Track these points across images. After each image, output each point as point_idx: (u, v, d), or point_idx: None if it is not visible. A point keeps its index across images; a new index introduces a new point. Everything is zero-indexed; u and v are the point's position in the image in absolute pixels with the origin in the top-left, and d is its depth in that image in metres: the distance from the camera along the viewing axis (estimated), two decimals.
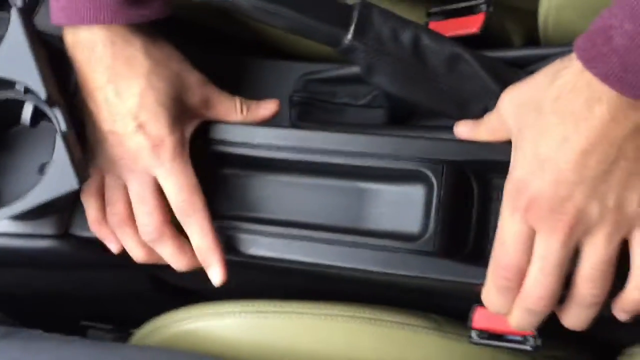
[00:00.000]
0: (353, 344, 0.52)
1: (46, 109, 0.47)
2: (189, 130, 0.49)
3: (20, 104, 0.48)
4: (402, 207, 0.47)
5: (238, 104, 0.51)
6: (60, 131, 0.45)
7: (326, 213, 0.49)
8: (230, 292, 0.60)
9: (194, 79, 0.50)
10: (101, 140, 0.48)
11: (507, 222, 0.40)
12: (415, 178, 0.47)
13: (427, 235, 0.45)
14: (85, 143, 0.49)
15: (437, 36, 0.47)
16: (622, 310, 0.41)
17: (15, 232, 0.52)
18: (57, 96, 0.47)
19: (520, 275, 0.40)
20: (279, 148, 0.49)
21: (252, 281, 0.59)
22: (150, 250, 0.50)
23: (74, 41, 0.48)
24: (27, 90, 0.46)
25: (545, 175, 0.38)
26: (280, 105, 0.52)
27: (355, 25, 0.45)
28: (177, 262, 0.49)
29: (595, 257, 0.39)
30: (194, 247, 0.48)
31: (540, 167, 0.38)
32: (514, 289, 0.41)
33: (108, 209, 0.50)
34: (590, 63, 0.36)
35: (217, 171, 0.52)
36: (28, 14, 0.49)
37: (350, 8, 0.46)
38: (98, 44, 0.47)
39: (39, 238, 0.52)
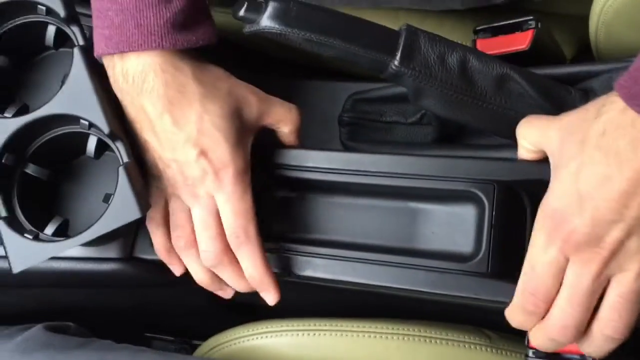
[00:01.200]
0: None
1: (109, 142, 0.49)
2: (250, 143, 0.49)
3: (85, 136, 0.50)
4: (454, 227, 0.48)
5: (294, 109, 0.51)
6: (123, 163, 0.48)
7: (378, 234, 0.50)
8: (286, 307, 0.61)
9: (244, 90, 0.50)
10: (164, 167, 0.49)
11: (540, 249, 0.40)
12: (466, 198, 0.47)
13: (480, 256, 0.45)
14: (146, 174, 0.51)
15: (484, 57, 0.47)
16: None
17: (84, 257, 0.55)
18: (118, 130, 0.49)
19: (548, 302, 0.41)
20: (330, 171, 0.50)
21: (309, 297, 0.60)
22: (212, 274, 0.51)
23: (121, 71, 0.47)
24: (92, 125, 0.49)
25: (583, 212, 0.38)
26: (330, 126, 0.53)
27: (402, 51, 0.46)
28: (236, 286, 0.51)
29: (624, 287, 0.39)
30: (246, 275, 0.49)
31: (579, 203, 0.38)
32: (539, 314, 0.41)
33: (174, 234, 0.51)
34: (633, 101, 0.35)
35: (271, 194, 0.53)
36: (90, 50, 0.51)
37: (397, 34, 0.47)
38: (149, 72, 0.46)
39: (106, 261, 0.54)
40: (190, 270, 0.52)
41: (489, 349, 0.52)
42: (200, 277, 0.52)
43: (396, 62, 0.46)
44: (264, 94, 0.51)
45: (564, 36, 0.61)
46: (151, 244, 0.54)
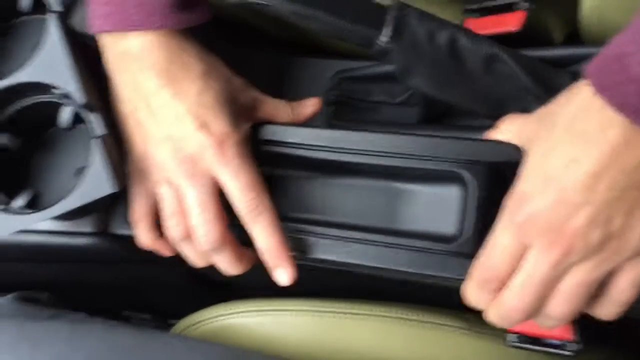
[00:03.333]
0: (384, 344, 0.53)
1: (83, 113, 0.47)
2: (246, 128, 0.48)
3: (57, 106, 0.49)
4: (439, 208, 0.47)
5: (283, 104, 0.50)
6: (97, 135, 0.46)
7: (360, 213, 0.49)
8: (266, 287, 0.61)
9: (240, 82, 0.49)
10: (154, 151, 0.47)
11: (500, 232, 0.40)
12: (452, 179, 0.46)
13: (464, 237, 0.45)
14: (130, 169, 0.49)
15: (474, 36, 0.46)
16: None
17: (56, 230, 0.53)
18: (94, 101, 0.47)
19: (501, 282, 0.40)
20: (313, 147, 0.49)
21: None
22: (208, 258, 0.49)
23: (123, 49, 0.46)
24: (66, 95, 0.47)
25: (548, 193, 0.37)
26: (321, 103, 0.52)
27: (391, 28, 0.45)
28: (233, 269, 0.49)
29: (578, 277, 0.38)
30: (262, 248, 0.47)
31: (545, 184, 0.37)
32: (492, 291, 0.41)
33: (169, 223, 0.48)
34: (605, 92, 0.34)
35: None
36: (65, 17, 0.49)
37: (385, 10, 0.46)
38: (154, 50, 0.45)
39: (79, 236, 0.53)
40: (187, 258, 0.50)
41: (467, 332, 0.52)
42: (197, 263, 0.50)
43: (384, 38, 0.45)
44: (257, 89, 0.50)
45: (554, 20, 0.60)
46: (126, 220, 0.53)
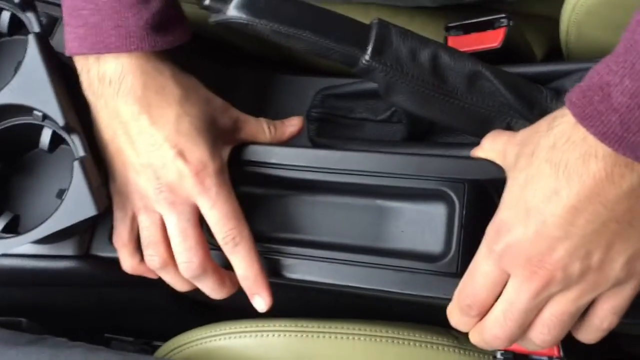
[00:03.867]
0: None
1: (64, 134, 0.47)
2: (225, 155, 0.48)
3: (39, 128, 0.48)
4: (424, 226, 0.47)
5: (265, 124, 0.50)
6: (78, 157, 0.45)
7: (345, 232, 0.49)
8: (251, 307, 0.60)
9: (220, 103, 0.49)
10: (135, 177, 0.46)
11: (481, 260, 0.39)
12: (436, 197, 0.46)
13: (449, 256, 0.44)
14: (112, 193, 0.49)
15: (456, 54, 0.47)
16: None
17: (37, 254, 0.52)
18: (74, 123, 0.47)
19: (483, 309, 0.40)
20: (296, 168, 0.48)
21: (274, 297, 0.59)
22: (190, 284, 0.49)
23: (97, 74, 0.46)
24: (46, 116, 0.46)
25: (528, 224, 0.37)
26: (303, 123, 0.52)
27: (373, 46, 0.45)
28: (217, 294, 0.48)
29: (560, 307, 0.38)
30: (240, 276, 0.47)
31: (525, 215, 0.37)
32: (474, 317, 0.41)
33: (147, 252, 0.47)
34: (587, 121, 0.34)
35: (234, 191, 0.51)
36: (45, 38, 0.49)
37: (368, 28, 0.46)
38: (128, 74, 0.45)
39: (61, 259, 0.52)
40: (170, 283, 0.50)
41: (456, 350, 0.52)
42: (181, 288, 0.49)
43: (367, 57, 0.45)
44: (237, 110, 0.50)
45: (534, 36, 0.60)
46: (109, 241, 0.52)
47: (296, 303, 0.57)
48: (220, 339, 0.55)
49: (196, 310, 0.67)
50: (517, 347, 0.46)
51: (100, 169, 0.49)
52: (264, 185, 0.51)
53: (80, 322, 0.71)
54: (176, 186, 0.45)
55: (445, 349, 0.52)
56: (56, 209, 0.44)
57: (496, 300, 0.39)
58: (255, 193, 0.51)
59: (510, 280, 0.38)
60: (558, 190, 0.35)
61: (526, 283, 0.37)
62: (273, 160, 0.49)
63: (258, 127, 0.50)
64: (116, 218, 0.49)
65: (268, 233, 0.50)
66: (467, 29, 0.53)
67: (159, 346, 0.62)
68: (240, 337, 0.54)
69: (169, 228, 0.46)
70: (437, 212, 0.46)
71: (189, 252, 0.46)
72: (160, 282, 0.50)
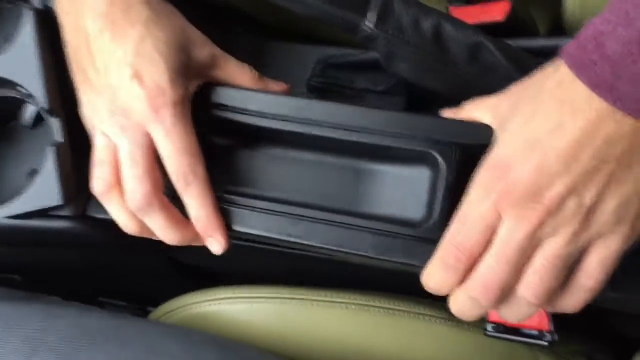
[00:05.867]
0: (367, 333, 0.52)
1: (46, 115, 0.46)
2: (192, 88, 0.45)
3: (21, 103, 0.47)
4: (407, 190, 0.45)
5: (248, 67, 0.47)
6: (54, 142, 0.44)
7: (323, 192, 0.46)
8: (246, 274, 0.60)
9: (198, 35, 0.46)
10: (94, 99, 0.44)
11: (475, 201, 0.38)
12: (421, 160, 0.44)
13: (431, 222, 0.42)
14: (82, 156, 0.47)
15: (459, 24, 0.46)
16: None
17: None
18: (57, 106, 0.46)
19: (472, 259, 0.38)
20: (275, 117, 0.45)
21: (267, 265, 0.59)
22: (140, 222, 0.46)
23: None
24: (30, 94, 0.46)
25: (530, 159, 0.36)
26: (290, 90, 0.50)
27: (376, 13, 0.44)
28: (167, 235, 0.45)
29: (551, 250, 0.36)
30: (193, 217, 0.44)
31: (528, 149, 0.36)
32: (460, 271, 0.38)
33: (94, 173, 0.45)
34: (580, 70, 0.34)
35: (205, 138, 0.47)
36: (47, 14, 0.47)
37: None
38: None
39: (56, 219, 0.52)
40: (112, 215, 0.46)
41: (448, 322, 0.52)
42: (126, 224, 0.46)
43: (369, 24, 0.44)
44: (220, 49, 0.47)
45: (537, 11, 0.60)
46: None
47: (291, 274, 0.57)
48: (212, 304, 0.55)
49: (192, 277, 0.68)
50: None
51: (76, 157, 0.47)
52: (235, 134, 0.47)
53: (74, 284, 0.71)
54: (129, 110, 0.43)
55: (438, 321, 0.52)
56: (23, 192, 0.44)
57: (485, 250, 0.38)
58: (226, 143, 0.48)
59: (504, 220, 0.37)
60: (562, 123, 0.35)
61: (522, 221, 0.36)
62: (250, 107, 0.45)
63: (240, 69, 0.47)
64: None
65: (235, 186, 0.47)
66: (471, 1, 0.53)
67: (152, 311, 0.62)
68: (233, 302, 0.54)
69: (120, 153, 0.44)
70: (421, 175, 0.44)
71: (135, 180, 0.43)
72: (155, 244, 0.50)
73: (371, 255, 0.43)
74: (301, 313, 0.53)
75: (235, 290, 0.55)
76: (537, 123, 0.36)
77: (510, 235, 0.36)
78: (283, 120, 0.45)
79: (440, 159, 0.43)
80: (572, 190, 0.35)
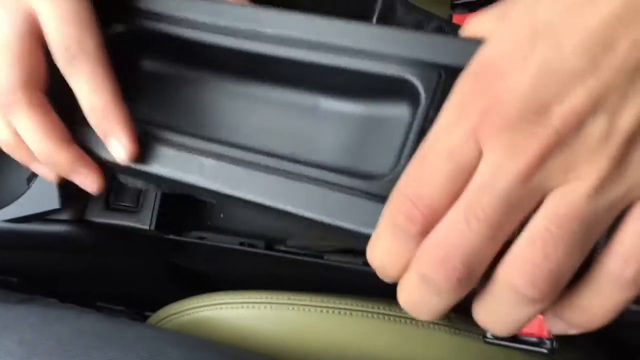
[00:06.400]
0: (366, 339, 0.52)
1: None
2: None
3: None
4: (379, 136, 0.33)
5: None
6: None
7: (266, 134, 0.36)
8: (245, 281, 0.60)
9: None
10: None
11: (444, 129, 0.24)
12: (400, 94, 0.32)
13: (391, 175, 0.29)
14: None
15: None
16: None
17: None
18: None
19: (432, 218, 0.24)
20: (216, 30, 0.35)
21: (267, 271, 0.59)
22: (10, 125, 0.36)
23: None
24: None
25: (533, 56, 0.22)
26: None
27: (378, 16, 0.45)
28: (40, 146, 0.35)
29: (563, 206, 0.22)
30: (85, 108, 0.34)
31: (532, 41, 0.22)
32: (414, 235, 0.24)
33: None
34: None
35: (125, 56, 0.38)
36: None
37: None
38: None
39: (55, 223, 0.52)
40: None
41: (448, 329, 0.52)
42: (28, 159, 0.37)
43: None
44: None
45: None
46: (105, 207, 0.52)
47: (297, 280, 0.57)
48: (210, 309, 0.55)
49: (190, 282, 0.67)
50: None
51: None
52: (166, 54, 0.38)
53: (71, 288, 0.71)
54: None
55: (437, 327, 0.52)
56: (20, 195, 0.43)
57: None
58: (152, 65, 0.39)
59: (486, 155, 0.23)
60: None
61: (514, 155, 0.22)
62: (181, 15, 0.36)
63: None
64: None
65: (156, 117, 0.37)
66: (474, 7, 0.53)
67: (149, 316, 0.62)
68: (231, 308, 0.54)
69: None
70: (399, 116, 0.33)
71: (5, 68, 0.34)
72: (154, 249, 0.50)
73: (304, 214, 0.31)
74: (300, 319, 0.53)
75: (233, 296, 0.55)
76: (548, 3, 0.23)
77: (493, 178, 0.22)
78: (223, 33, 0.35)
79: (420, 88, 0.31)
80: (600, 103, 0.21)
